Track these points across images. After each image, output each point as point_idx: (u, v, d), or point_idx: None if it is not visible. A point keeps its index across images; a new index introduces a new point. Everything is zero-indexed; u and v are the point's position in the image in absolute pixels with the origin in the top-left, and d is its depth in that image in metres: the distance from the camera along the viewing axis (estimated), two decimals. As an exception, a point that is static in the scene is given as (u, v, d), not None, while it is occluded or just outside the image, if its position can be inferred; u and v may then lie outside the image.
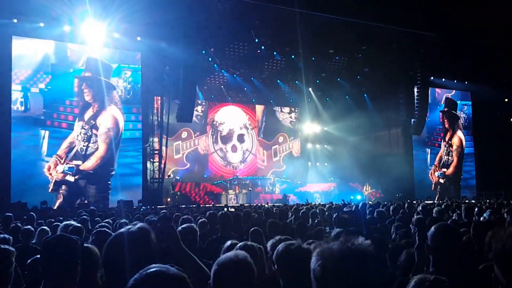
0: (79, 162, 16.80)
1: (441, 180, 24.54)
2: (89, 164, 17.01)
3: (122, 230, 1.90)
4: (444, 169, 24.74)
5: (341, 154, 25.15)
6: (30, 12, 15.43)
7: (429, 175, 24.43)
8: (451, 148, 25.18)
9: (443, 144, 25.06)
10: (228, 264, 1.83)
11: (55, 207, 15.10)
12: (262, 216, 7.21)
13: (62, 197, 16.32)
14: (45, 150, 16.32)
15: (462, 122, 25.91)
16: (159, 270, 1.30)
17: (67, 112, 16.93)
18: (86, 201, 16.00)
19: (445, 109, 25.34)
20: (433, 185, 24.36)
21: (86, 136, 17.08)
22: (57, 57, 16.69)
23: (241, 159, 23.58)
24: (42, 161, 16.25)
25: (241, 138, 23.80)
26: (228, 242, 2.77)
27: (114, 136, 17.46)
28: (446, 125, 25.29)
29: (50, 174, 16.25)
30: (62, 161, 16.55)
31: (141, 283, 1.27)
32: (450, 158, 25.07)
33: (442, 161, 24.87)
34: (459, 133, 25.50)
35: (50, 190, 16.09)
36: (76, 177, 16.66)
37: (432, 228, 2.15)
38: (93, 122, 17.20)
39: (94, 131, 17.19)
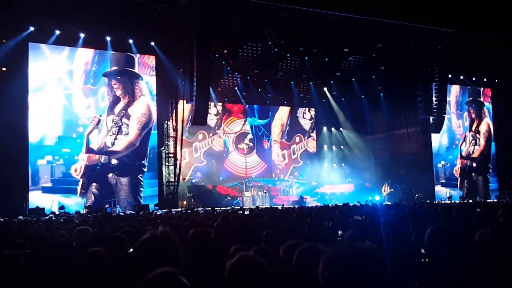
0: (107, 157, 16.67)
1: (469, 163, 23.87)
2: (117, 147, 16.86)
3: (147, 234, 1.96)
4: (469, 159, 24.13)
5: (358, 155, 24.85)
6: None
7: (454, 171, 23.76)
8: (478, 135, 24.60)
9: (469, 134, 24.44)
10: (241, 261, 2.01)
11: (84, 211, 14.76)
12: (283, 222, 7.16)
13: (93, 197, 16.14)
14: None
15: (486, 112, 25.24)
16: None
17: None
18: (107, 205, 15.65)
19: (470, 99, 24.83)
20: (459, 177, 23.60)
21: (117, 128, 17.00)
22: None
23: (255, 164, 23.58)
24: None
25: (256, 141, 23.73)
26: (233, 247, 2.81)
27: (146, 123, 17.43)
28: (473, 115, 24.78)
29: (78, 174, 16.11)
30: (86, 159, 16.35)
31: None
32: (476, 147, 24.45)
33: (467, 152, 24.25)
34: (487, 120, 25.04)
35: (78, 194, 16.04)
36: (104, 159, 16.49)
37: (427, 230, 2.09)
38: (124, 112, 17.25)
39: (125, 120, 17.18)
